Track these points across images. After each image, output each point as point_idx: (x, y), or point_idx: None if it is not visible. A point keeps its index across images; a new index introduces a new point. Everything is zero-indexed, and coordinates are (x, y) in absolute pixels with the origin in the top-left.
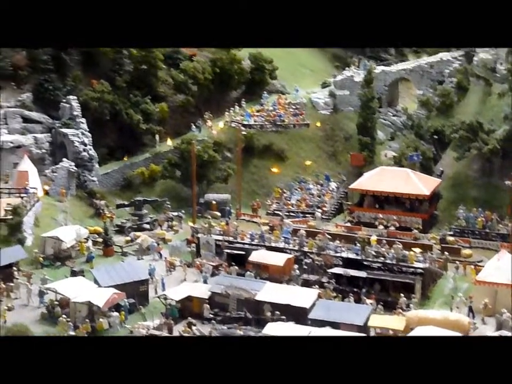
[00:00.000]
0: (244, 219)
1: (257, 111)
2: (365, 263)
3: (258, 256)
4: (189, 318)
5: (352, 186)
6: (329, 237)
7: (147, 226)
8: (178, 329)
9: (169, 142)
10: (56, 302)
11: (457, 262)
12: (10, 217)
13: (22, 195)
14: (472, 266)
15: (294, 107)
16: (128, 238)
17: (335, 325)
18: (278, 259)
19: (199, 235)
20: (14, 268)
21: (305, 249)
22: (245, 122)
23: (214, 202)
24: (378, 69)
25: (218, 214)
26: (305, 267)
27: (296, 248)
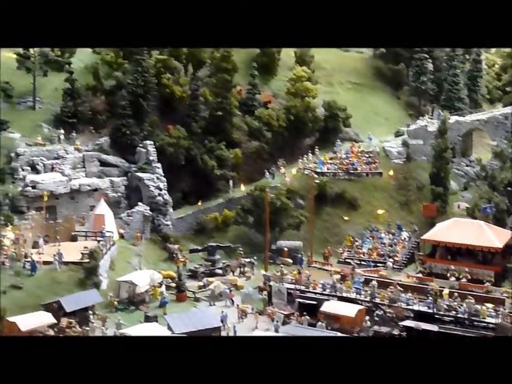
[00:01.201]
0: (315, 267)
1: (330, 159)
2: (437, 316)
3: (330, 306)
4: None
5: (424, 237)
6: (401, 288)
7: (219, 271)
8: None
9: (242, 188)
10: None
11: None
12: (87, 260)
13: (98, 238)
14: None
15: (367, 155)
16: (201, 284)
17: None
18: (350, 310)
19: (271, 283)
20: (90, 312)
21: (377, 300)
22: (318, 170)
23: (286, 249)
24: (452, 119)
25: (290, 261)
26: (376, 319)
27: (368, 299)
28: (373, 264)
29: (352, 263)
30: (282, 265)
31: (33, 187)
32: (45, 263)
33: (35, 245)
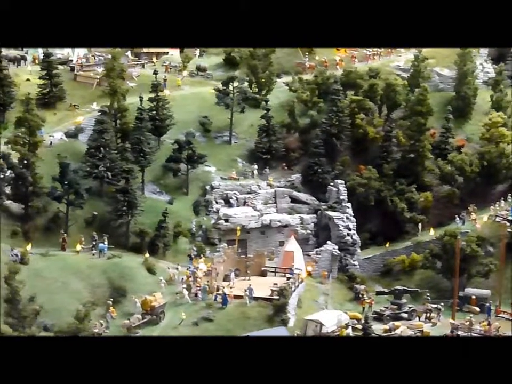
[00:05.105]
0: (503, 317)
1: None
2: None
3: None
4: None
5: None
6: None
7: (405, 315)
8: None
9: (431, 232)
10: None
11: None
12: (277, 297)
13: (287, 275)
14: None
15: None
16: (387, 327)
17: None
18: None
19: (459, 332)
20: None
21: None
22: (510, 218)
23: (473, 297)
24: None
25: (477, 309)
26: None
27: None
28: None
29: None
30: (470, 314)
31: (226, 220)
32: (236, 297)
33: (226, 278)
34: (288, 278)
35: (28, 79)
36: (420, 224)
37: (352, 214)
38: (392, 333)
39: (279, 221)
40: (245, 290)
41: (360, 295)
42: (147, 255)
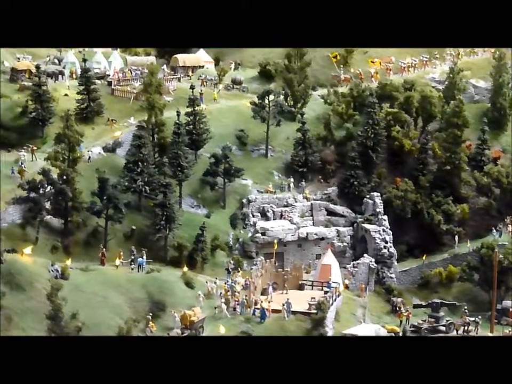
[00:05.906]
0: None
1: None
2: None
3: None
4: None
5: None
6: None
7: (442, 328)
8: None
9: (468, 244)
10: None
11: None
12: (315, 311)
13: (325, 289)
14: None
15: None
16: None
17: None
18: None
19: None
20: None
21: None
22: None
23: (511, 309)
24: None
25: None
26: None
27: None
28: None
29: None
30: (509, 328)
31: (263, 233)
32: (274, 311)
33: (264, 292)
34: (326, 292)
35: (66, 94)
36: (456, 236)
37: (389, 227)
38: None
39: (315, 234)
40: (283, 304)
41: (398, 308)
42: (185, 269)
